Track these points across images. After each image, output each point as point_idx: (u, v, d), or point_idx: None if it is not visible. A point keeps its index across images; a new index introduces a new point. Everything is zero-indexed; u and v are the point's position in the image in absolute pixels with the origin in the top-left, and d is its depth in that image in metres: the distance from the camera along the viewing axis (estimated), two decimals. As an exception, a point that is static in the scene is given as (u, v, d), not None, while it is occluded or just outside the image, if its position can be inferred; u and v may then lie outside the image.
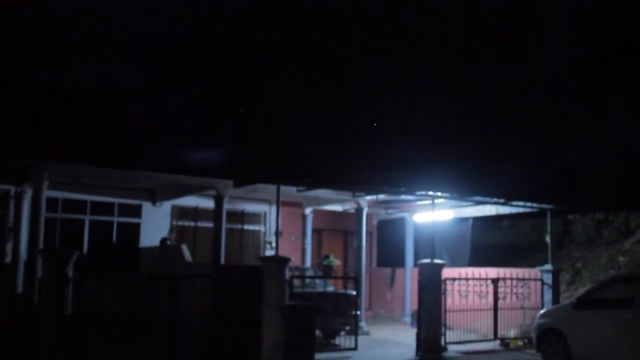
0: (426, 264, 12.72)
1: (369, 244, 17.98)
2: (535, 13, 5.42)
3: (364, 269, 15.52)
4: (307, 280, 13.62)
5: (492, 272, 14.79)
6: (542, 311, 12.63)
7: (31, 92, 6.72)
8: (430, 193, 13.78)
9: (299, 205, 16.49)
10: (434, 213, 14.60)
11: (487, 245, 19.87)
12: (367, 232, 16.30)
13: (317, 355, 10.33)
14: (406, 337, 13.65)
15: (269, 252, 16.60)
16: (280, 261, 10.76)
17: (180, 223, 16.11)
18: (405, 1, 5.02)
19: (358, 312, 13.36)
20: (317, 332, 11.40)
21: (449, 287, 13.27)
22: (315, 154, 10.54)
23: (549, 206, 14.98)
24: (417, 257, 17.13)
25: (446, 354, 12.36)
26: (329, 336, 13.13)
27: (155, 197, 15.57)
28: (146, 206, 15.57)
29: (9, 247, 13.15)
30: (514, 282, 14.50)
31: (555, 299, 14.46)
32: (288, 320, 9.98)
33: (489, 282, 14.29)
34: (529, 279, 14.67)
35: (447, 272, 13.51)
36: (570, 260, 18.64)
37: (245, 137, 9.26)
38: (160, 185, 14.52)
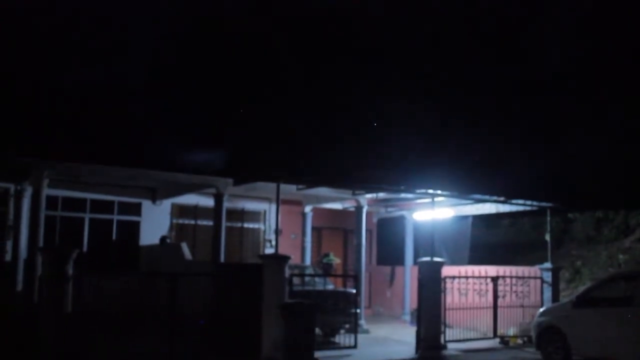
0: (426, 262, 12.73)
1: (368, 242, 17.98)
2: (536, 13, 5.42)
3: (363, 267, 15.52)
4: (307, 279, 13.62)
5: (492, 270, 14.81)
6: (541, 309, 12.64)
7: (32, 91, 6.72)
8: (430, 191, 13.77)
9: (299, 203, 16.49)
10: (433, 211, 14.60)
11: (487, 243, 19.89)
12: (366, 230, 16.30)
13: (317, 353, 10.33)
14: (406, 335, 13.67)
15: (269, 250, 16.61)
16: (280, 259, 10.77)
17: (180, 221, 16.12)
18: (406, 1, 5.02)
19: (358, 310, 13.36)
20: (317, 330, 11.40)
21: (448, 285, 13.28)
22: (315, 152, 10.55)
23: (549, 204, 14.98)
24: (416, 255, 17.15)
25: (446, 352, 12.38)
26: (329, 334, 13.14)
27: (155, 195, 15.57)
28: (146, 204, 15.58)
29: (9, 245, 13.16)
30: (514, 280, 14.51)
31: (555, 297, 14.47)
32: (288, 318, 9.98)
33: (488, 280, 14.30)
34: (529, 277, 14.68)
35: (447, 270, 13.52)
36: (570, 259, 18.66)
37: (246, 135, 9.27)
38: (160, 183, 14.52)
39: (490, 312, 14.10)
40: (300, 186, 13.96)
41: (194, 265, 13.02)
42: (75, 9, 4.73)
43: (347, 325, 13.07)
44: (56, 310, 9.10)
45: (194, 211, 16.12)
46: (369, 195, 15.46)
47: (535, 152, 10.98)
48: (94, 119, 7.75)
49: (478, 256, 17.94)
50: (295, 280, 12.30)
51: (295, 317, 10.00)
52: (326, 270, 15.72)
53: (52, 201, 13.51)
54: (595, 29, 5.81)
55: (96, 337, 9.22)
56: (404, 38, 5.68)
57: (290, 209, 16.57)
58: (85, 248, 14.46)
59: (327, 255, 16.54)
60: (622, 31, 5.89)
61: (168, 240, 14.98)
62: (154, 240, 14.69)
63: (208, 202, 14.82)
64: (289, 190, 14.06)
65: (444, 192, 14.00)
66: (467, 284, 14.51)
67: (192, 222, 16.21)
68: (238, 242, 16.86)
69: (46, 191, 11.48)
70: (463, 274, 14.58)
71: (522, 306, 14.41)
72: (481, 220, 18.48)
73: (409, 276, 17.53)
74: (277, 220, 11.85)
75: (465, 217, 17.68)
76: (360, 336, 12.68)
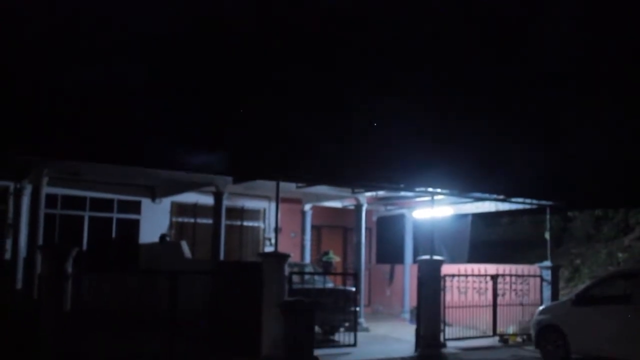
0: (425, 260, 12.73)
1: (368, 240, 17.99)
2: (536, 13, 5.42)
3: (363, 266, 15.53)
4: (307, 277, 13.63)
5: (492, 268, 14.81)
6: (541, 307, 12.65)
7: (32, 89, 6.72)
8: (430, 189, 13.77)
9: (299, 201, 16.49)
10: (433, 209, 14.60)
11: (487, 241, 19.90)
12: (366, 228, 16.31)
13: (317, 351, 10.33)
14: (405, 333, 13.68)
15: (269, 249, 16.62)
16: (279, 257, 10.77)
17: (180, 219, 16.12)
18: (406, 1, 5.02)
19: (357, 309, 13.36)
20: (317, 328, 11.41)
21: (448, 283, 13.28)
22: (315, 150, 10.55)
23: (549, 203, 14.98)
24: (416, 253, 17.13)
25: (445, 350, 12.38)
26: (328, 332, 13.15)
27: (154, 194, 15.58)
28: (145, 202, 15.58)
29: (8, 243, 13.16)
30: (513, 278, 14.51)
31: (555, 296, 14.48)
32: (287, 316, 9.99)
33: (488, 278, 14.29)
34: (528, 276, 14.68)
35: (446, 269, 13.51)
36: (570, 257, 18.67)
37: (245, 133, 9.27)
38: (160, 181, 14.52)
39: (489, 311, 14.10)
40: (299, 184, 13.95)
41: (193, 263, 13.03)
42: (75, 9, 4.73)
43: (346, 324, 13.08)
44: (55, 308, 9.09)
45: (194, 209, 16.13)
46: (368, 194, 15.47)
47: (535, 150, 10.99)
48: (94, 117, 7.75)
49: (477, 254, 17.95)
50: (295, 278, 12.31)
51: (295, 315, 10.00)
52: (326, 269, 15.72)
53: (51, 199, 13.51)
54: (595, 29, 5.82)
55: (95, 335, 9.22)
56: (404, 38, 5.68)
57: (290, 207, 16.57)
58: (84, 246, 14.46)
59: (326, 253, 16.54)
60: (621, 31, 5.89)
61: (168, 239, 14.99)
62: (154, 238, 14.69)
63: (207, 200, 14.81)
64: (289, 188, 14.05)
65: (444, 191, 14.00)
66: (467, 282, 14.50)
67: (192, 220, 16.21)
68: (238, 240, 16.87)
69: (46, 189, 11.49)
70: (462, 272, 14.57)
71: (521, 304, 14.41)
72: (481, 218, 18.48)
73: (408, 274, 17.54)
74: (277, 219, 11.85)
75: (464, 216, 17.68)
76: (359, 334, 12.69)
